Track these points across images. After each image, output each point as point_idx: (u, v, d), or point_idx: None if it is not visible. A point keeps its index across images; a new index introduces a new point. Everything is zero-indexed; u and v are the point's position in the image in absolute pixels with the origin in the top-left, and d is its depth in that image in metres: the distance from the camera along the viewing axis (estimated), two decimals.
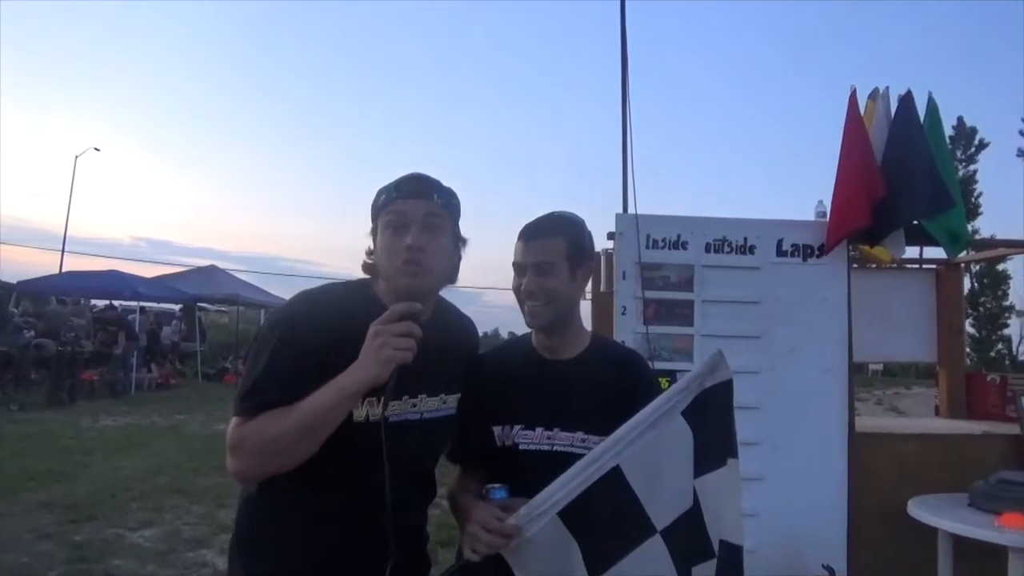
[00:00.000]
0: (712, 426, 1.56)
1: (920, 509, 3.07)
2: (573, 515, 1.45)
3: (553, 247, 1.68)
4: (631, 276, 3.34)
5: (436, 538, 1.88)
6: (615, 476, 1.46)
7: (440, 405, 1.62)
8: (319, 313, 1.49)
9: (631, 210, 3.38)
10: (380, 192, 1.55)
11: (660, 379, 3.17)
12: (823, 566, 3.00)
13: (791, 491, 3.21)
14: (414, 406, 1.56)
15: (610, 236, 3.43)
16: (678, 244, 3.39)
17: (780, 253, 3.42)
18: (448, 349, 1.65)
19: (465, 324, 1.81)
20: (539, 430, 1.67)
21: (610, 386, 1.71)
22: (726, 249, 3.40)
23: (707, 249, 3.39)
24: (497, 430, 1.69)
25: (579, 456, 1.57)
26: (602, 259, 3.56)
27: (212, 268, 21.78)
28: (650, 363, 3.21)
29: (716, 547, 1.53)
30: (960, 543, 2.97)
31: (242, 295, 20.25)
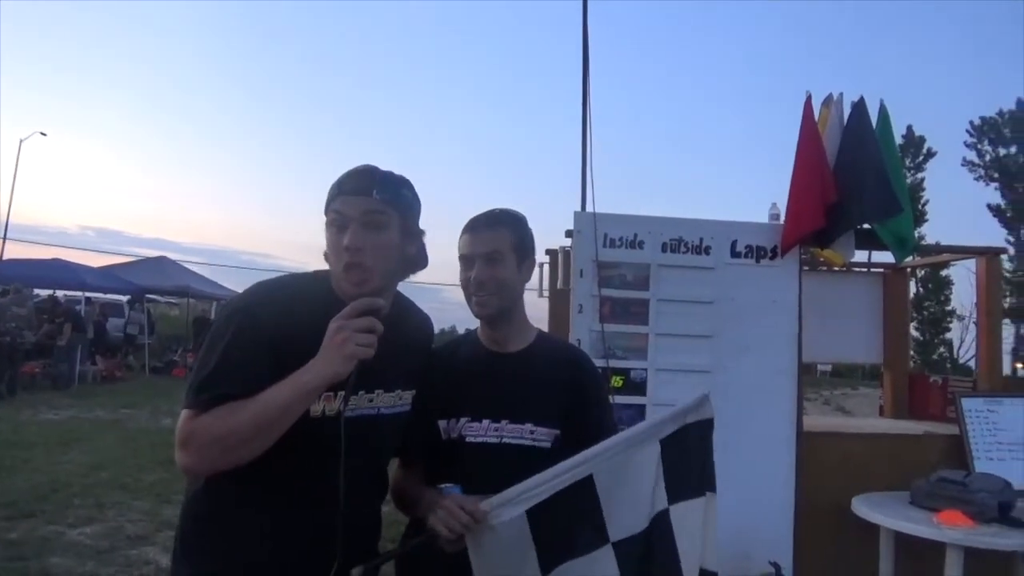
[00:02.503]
0: (687, 457, 1.60)
1: (863, 507, 3.15)
2: (539, 515, 1.47)
3: (501, 238, 1.70)
4: (588, 274, 3.35)
5: (386, 535, 1.85)
6: (586, 483, 1.50)
7: (396, 401, 1.61)
8: (277, 304, 1.46)
9: (589, 208, 3.38)
10: (329, 191, 1.52)
11: (614, 376, 3.25)
12: (770, 563, 3.05)
13: (740, 489, 3.23)
14: (371, 401, 1.54)
15: (568, 234, 3.43)
16: (635, 243, 3.41)
17: (734, 254, 3.46)
18: (406, 345, 1.64)
19: (422, 320, 1.80)
20: (486, 422, 1.68)
21: (557, 379, 1.74)
22: (682, 249, 3.43)
23: (663, 249, 3.42)
24: (443, 424, 1.70)
25: (528, 448, 1.61)
26: (559, 257, 3.57)
27: (162, 259, 21.28)
28: (605, 361, 3.25)
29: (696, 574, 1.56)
30: (901, 539, 3.05)
31: (193, 287, 19.83)
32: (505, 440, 1.66)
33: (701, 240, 3.44)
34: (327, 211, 1.50)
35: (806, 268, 3.70)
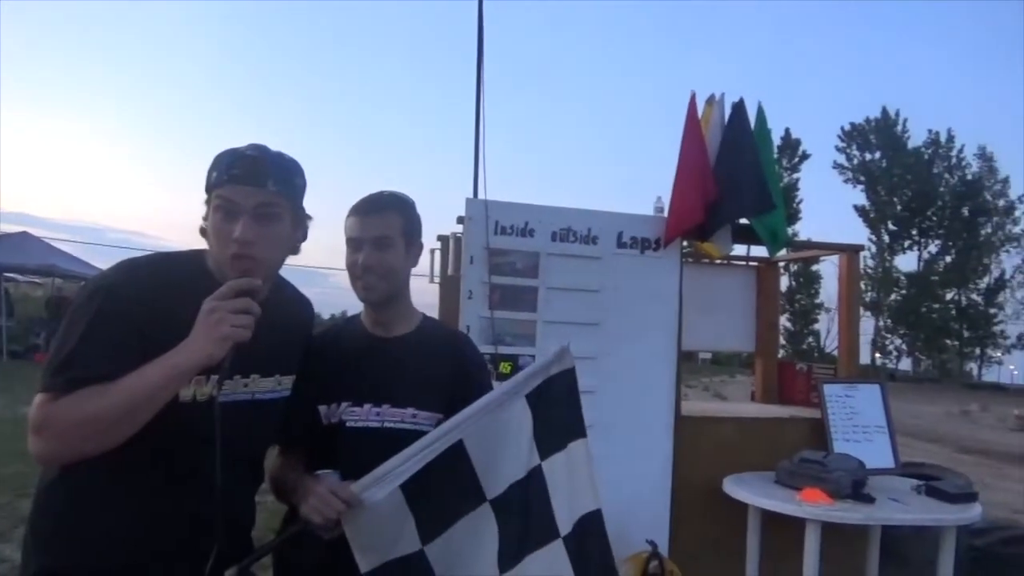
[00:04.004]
0: (554, 410, 1.62)
1: (733, 486, 3.33)
2: (414, 488, 1.47)
3: (389, 222, 1.67)
4: (479, 261, 3.36)
5: (269, 526, 1.80)
6: (457, 449, 1.50)
7: (275, 386, 1.55)
8: (144, 282, 1.37)
9: (481, 196, 3.40)
10: (212, 167, 1.42)
11: (503, 363, 3.28)
12: (647, 541, 3.17)
13: (620, 471, 3.36)
14: (246, 386, 1.48)
15: (459, 220, 3.43)
16: (525, 231, 3.45)
17: (620, 245, 3.57)
18: (285, 328, 1.58)
19: (302, 303, 1.74)
20: (367, 406, 1.65)
21: (441, 364, 1.73)
22: (571, 239, 3.50)
23: (553, 238, 3.48)
24: (323, 408, 1.66)
25: (410, 432, 1.59)
26: (450, 243, 3.56)
27: (24, 235, 19.59)
28: (494, 347, 3.28)
29: (572, 526, 1.57)
30: (767, 515, 3.25)
31: (60, 266, 18.40)
32: (387, 424, 1.64)
33: (589, 230, 3.52)
34: (213, 193, 1.41)
35: (688, 260, 3.86)
